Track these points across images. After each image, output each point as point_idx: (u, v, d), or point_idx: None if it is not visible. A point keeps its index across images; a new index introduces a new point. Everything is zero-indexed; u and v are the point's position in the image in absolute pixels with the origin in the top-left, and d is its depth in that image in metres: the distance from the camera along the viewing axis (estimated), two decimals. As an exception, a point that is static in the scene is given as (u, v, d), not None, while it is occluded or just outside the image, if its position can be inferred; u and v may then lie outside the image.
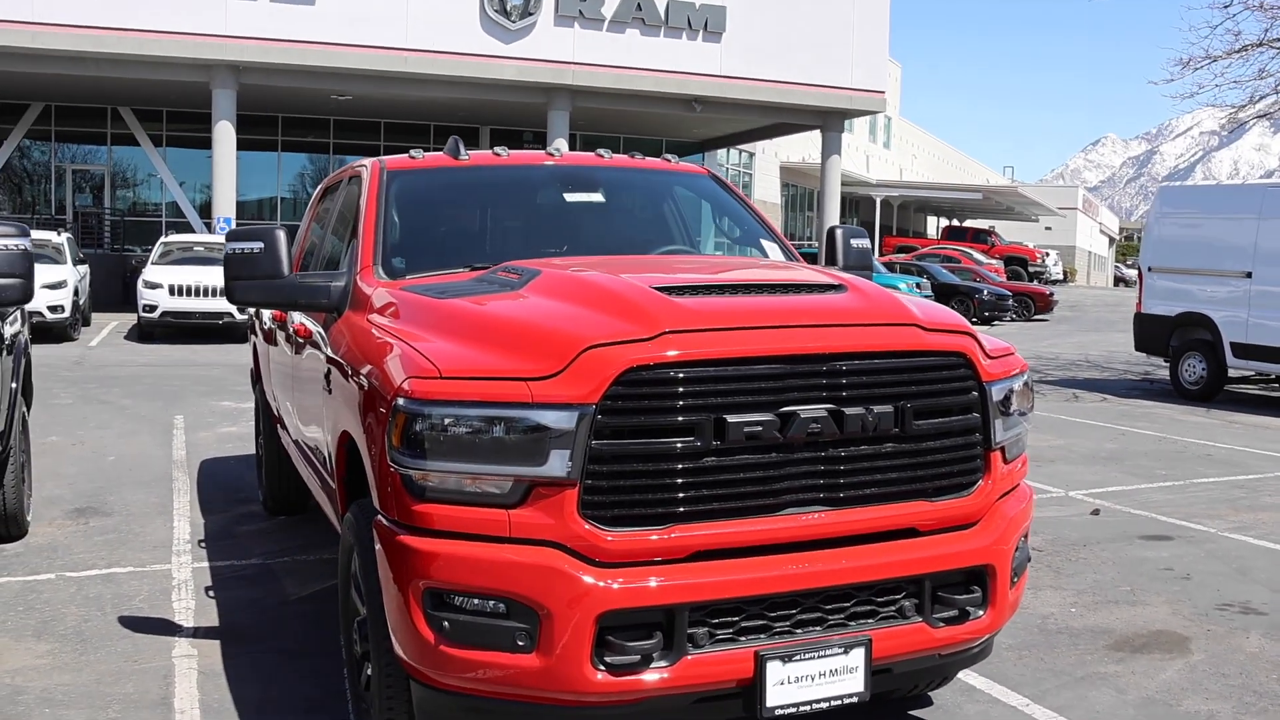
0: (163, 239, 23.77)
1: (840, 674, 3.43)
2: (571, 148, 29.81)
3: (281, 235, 4.68)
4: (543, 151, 5.68)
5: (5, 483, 6.79)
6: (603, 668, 3.28)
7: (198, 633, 5.50)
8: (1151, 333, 16.16)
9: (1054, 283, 52.24)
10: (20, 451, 7.11)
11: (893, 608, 3.59)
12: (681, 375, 3.31)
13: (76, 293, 20.45)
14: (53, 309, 19.47)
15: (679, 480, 3.32)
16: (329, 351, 4.59)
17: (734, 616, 3.39)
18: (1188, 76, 25.25)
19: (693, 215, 5.79)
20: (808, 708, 3.42)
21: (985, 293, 32.38)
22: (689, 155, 39.00)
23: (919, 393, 3.58)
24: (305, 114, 33.82)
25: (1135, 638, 5.50)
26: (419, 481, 3.38)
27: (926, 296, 30.96)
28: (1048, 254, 57.29)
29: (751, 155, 43.66)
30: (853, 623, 3.53)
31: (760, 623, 3.42)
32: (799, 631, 3.46)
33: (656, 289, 3.65)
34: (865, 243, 5.57)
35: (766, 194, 46.05)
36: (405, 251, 4.94)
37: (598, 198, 5.58)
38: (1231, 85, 37.55)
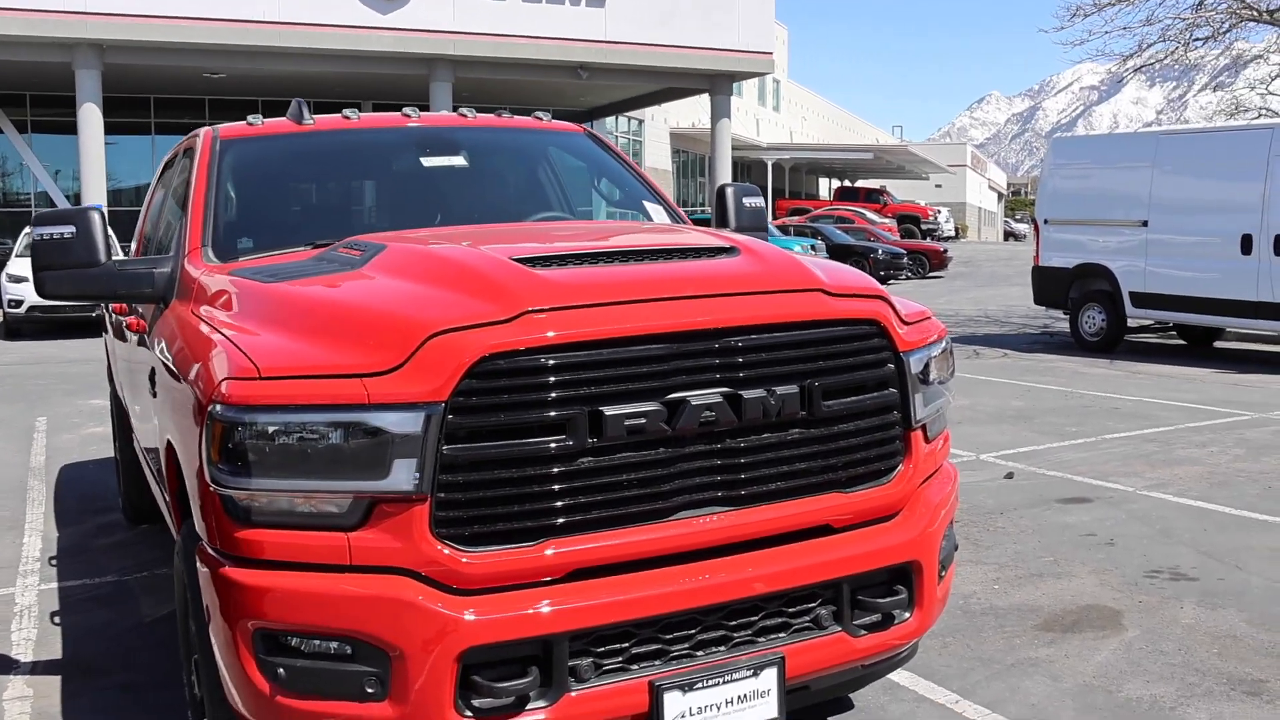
0: (26, 230, 22.52)
1: (751, 699, 2.95)
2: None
3: (96, 217, 4.06)
4: (398, 114, 5.07)
5: None
6: (469, 713, 2.75)
7: (36, 668, 4.88)
8: (1050, 285, 16.02)
9: (946, 239, 52.62)
10: None
11: (807, 618, 3.10)
12: (547, 362, 2.78)
13: (-61, 291, 19.29)
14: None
15: (550, 487, 2.80)
16: (154, 348, 3.99)
17: (623, 643, 2.88)
18: (1077, 24, 25.31)
19: (571, 179, 5.25)
20: None
21: (880, 252, 32.33)
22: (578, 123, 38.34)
23: (828, 369, 3.09)
24: (178, 94, 32.45)
25: (1065, 615, 5.13)
26: (242, 503, 2.82)
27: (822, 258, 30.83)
28: (939, 211, 57.73)
29: (641, 122, 43.09)
30: (762, 639, 3.03)
31: (654, 647, 2.91)
32: (700, 654, 2.95)
33: (517, 260, 3.10)
34: (758, 201, 5.07)
35: (658, 161, 45.53)
36: (241, 230, 4.36)
37: (459, 161, 4.98)
38: (1120, 32, 37.70)
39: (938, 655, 4.66)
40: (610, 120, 39.86)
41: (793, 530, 3.08)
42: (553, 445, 2.77)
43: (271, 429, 2.74)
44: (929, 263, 35.00)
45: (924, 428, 3.38)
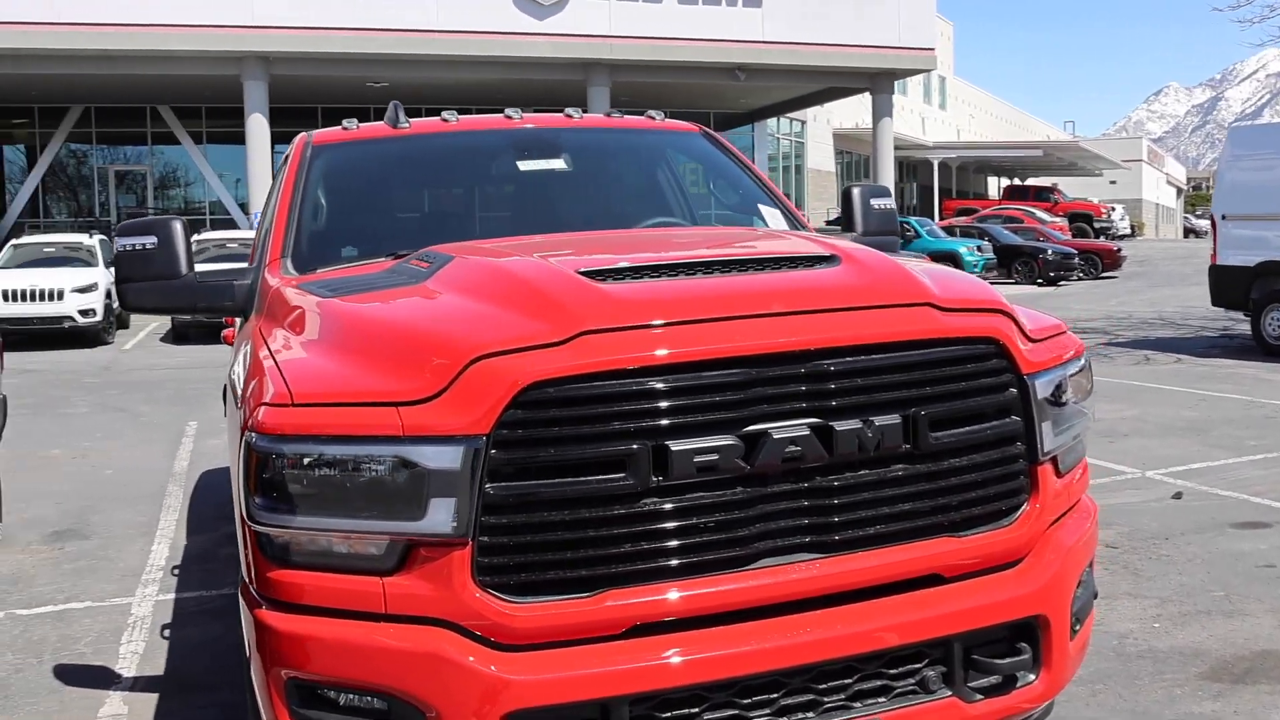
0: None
1: None
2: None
3: (178, 227, 3.95)
4: (499, 115, 4.81)
5: None
6: None
7: (137, 684, 4.78)
8: (1229, 285, 15.01)
9: (1121, 238, 50.52)
10: None
11: (912, 680, 2.68)
12: (604, 391, 2.45)
13: (109, 295, 19.95)
14: (84, 313, 19.13)
15: (609, 531, 2.46)
16: (230, 365, 3.82)
17: (693, 708, 2.52)
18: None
19: (688, 180, 4.92)
20: None
21: (1050, 252, 31.14)
22: (739, 126, 38.03)
23: (936, 395, 2.67)
24: (343, 103, 33.19)
25: (1236, 662, 4.54)
26: (276, 540, 2.59)
27: (988, 260, 29.89)
28: (1113, 209, 55.53)
29: (804, 123, 42.45)
30: (858, 704, 2.63)
31: (730, 713, 2.55)
32: None
33: (586, 273, 2.77)
34: (887, 203, 4.64)
35: (820, 162, 44.83)
36: (324, 240, 4.18)
37: (559, 164, 4.69)
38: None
39: (1084, 706, 4.17)
40: (772, 122, 39.36)
41: (895, 580, 2.68)
42: (612, 484, 2.44)
43: (303, 460, 2.48)
44: (1101, 262, 33.55)
45: (1054, 460, 2.93)
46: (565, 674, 2.44)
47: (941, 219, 43.38)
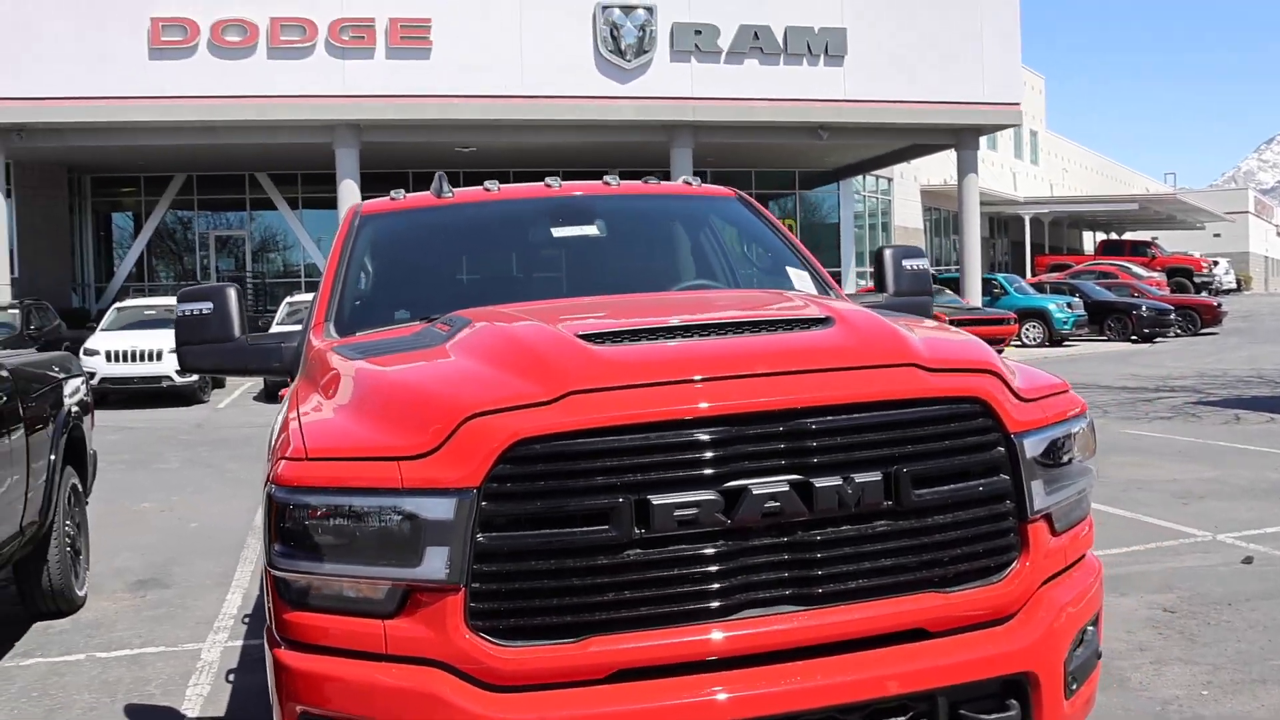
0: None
1: None
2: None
3: (232, 294, 4.18)
4: (540, 184, 4.98)
5: (49, 558, 6.55)
6: None
7: (197, 726, 4.99)
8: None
9: (1226, 292, 49.49)
10: (70, 525, 6.88)
11: None
12: (588, 447, 2.56)
13: (204, 357, 20.53)
14: (180, 372, 19.67)
15: (593, 580, 2.57)
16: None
17: None
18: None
19: (723, 243, 5.02)
20: None
21: (1144, 308, 30.64)
22: (825, 184, 38.13)
23: (919, 453, 2.72)
24: (432, 167, 33.87)
25: (1281, 732, 4.47)
26: (292, 584, 2.75)
27: (1078, 316, 29.49)
28: (1216, 262, 54.41)
29: (890, 180, 42.40)
30: None
31: None
32: None
33: (582, 336, 2.90)
34: (919, 263, 4.69)
35: (908, 219, 44.67)
36: (368, 304, 4.37)
37: (591, 231, 4.83)
38: None
39: (1117, 772, 4.12)
40: (858, 180, 39.39)
41: (877, 634, 2.71)
42: (595, 536, 2.54)
43: (314, 511, 2.64)
44: (1200, 318, 32.89)
45: (1047, 518, 2.94)
46: (549, 715, 2.53)
47: (1033, 275, 42.87)
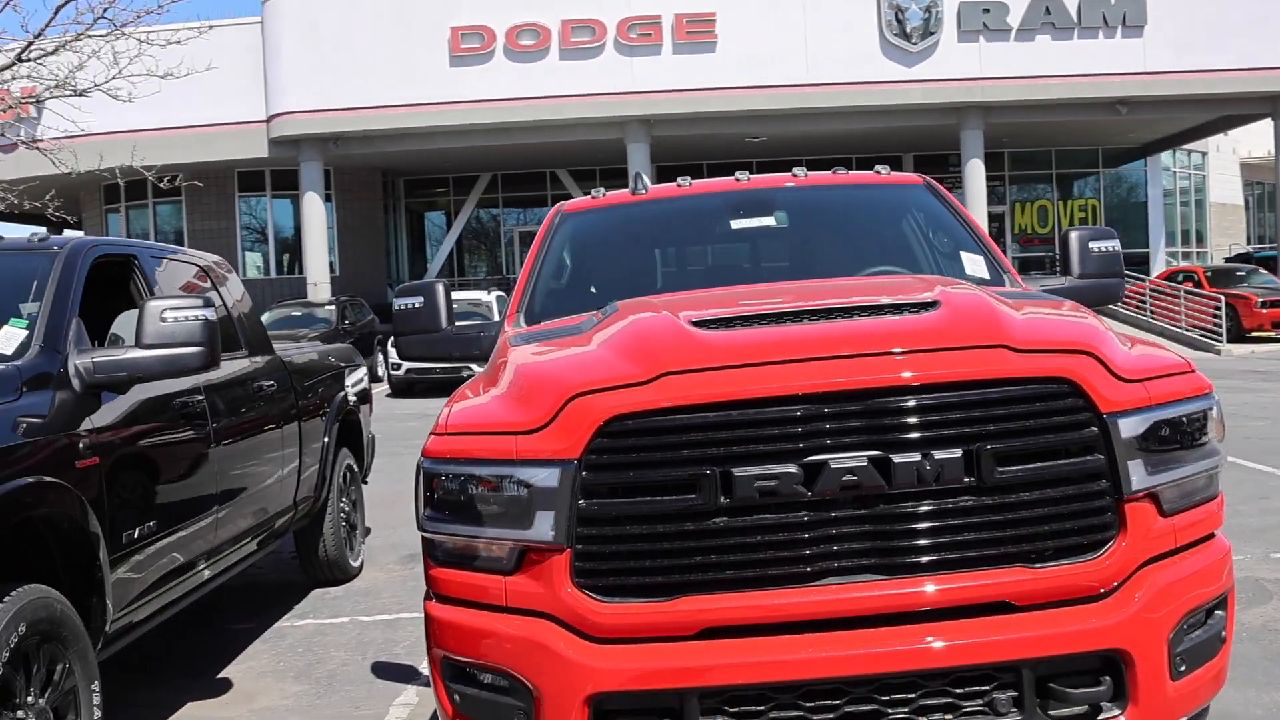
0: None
1: None
2: (987, 167, 28.57)
3: (440, 289, 4.64)
4: (730, 178, 5.23)
5: (324, 531, 7.29)
6: None
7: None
8: None
9: None
10: (345, 502, 7.57)
11: (980, 701, 2.82)
12: (676, 423, 2.82)
13: (500, 346, 21.74)
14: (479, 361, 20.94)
15: (683, 545, 2.83)
16: None
17: (759, 705, 2.82)
18: None
19: (907, 231, 5.11)
20: None
21: None
22: (1130, 161, 36.25)
23: (1001, 431, 2.83)
24: (725, 159, 34.44)
25: None
26: (437, 544, 3.16)
27: None
28: None
29: (1204, 154, 39.80)
30: (921, 718, 2.82)
31: (794, 714, 2.81)
32: None
33: (695, 323, 3.16)
34: (1108, 245, 4.63)
35: (1225, 195, 41.83)
36: (554, 296, 4.75)
37: (769, 222, 5.03)
38: None
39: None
40: (1167, 155, 37.22)
41: (959, 605, 2.83)
42: (683, 504, 2.80)
43: (445, 479, 3.03)
44: None
45: (1155, 498, 2.96)
46: (642, 666, 2.82)
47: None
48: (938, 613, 2.83)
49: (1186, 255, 38.19)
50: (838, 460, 2.77)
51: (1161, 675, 2.91)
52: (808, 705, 2.82)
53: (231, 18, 28.10)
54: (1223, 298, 24.69)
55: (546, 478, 2.88)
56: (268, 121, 27.51)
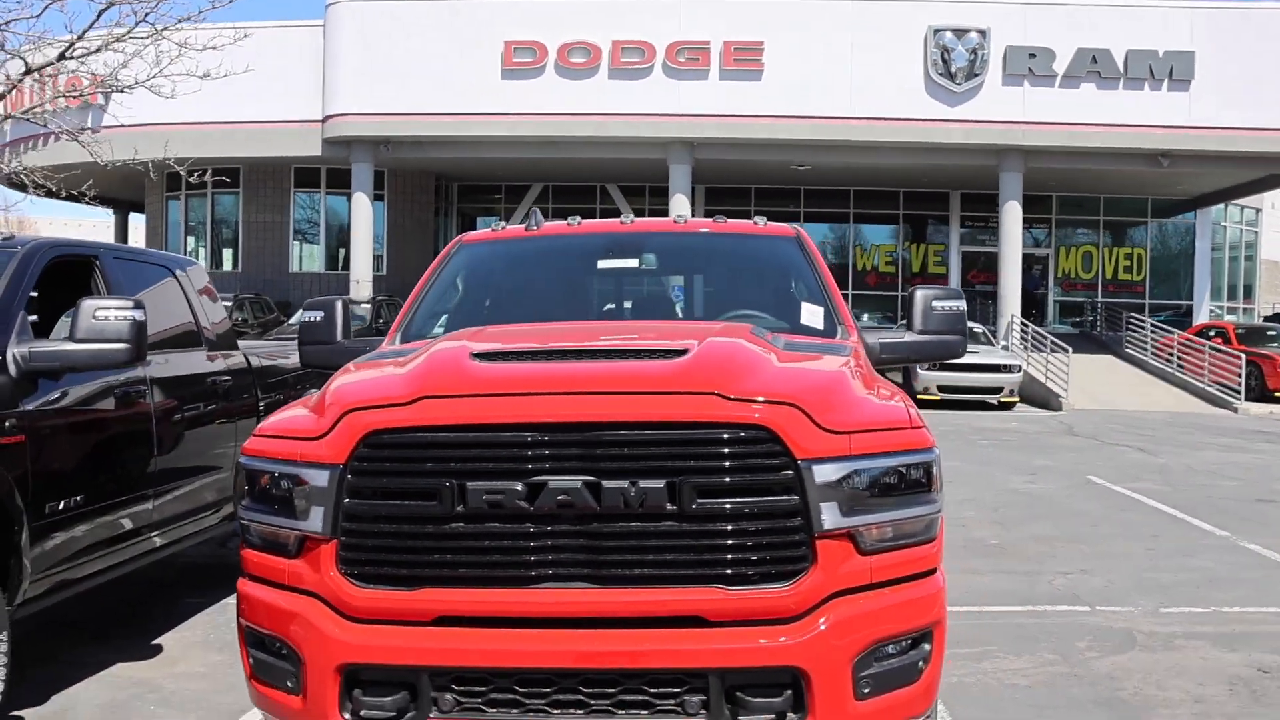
0: None
1: None
2: (1031, 209, 28.78)
3: (339, 305, 5.19)
4: (616, 220, 5.73)
5: None
6: (348, 718, 3.36)
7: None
8: None
9: None
10: None
11: (672, 701, 3.28)
12: (424, 439, 3.34)
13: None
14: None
15: (424, 544, 3.34)
16: None
17: (481, 686, 3.31)
18: None
19: (773, 278, 5.56)
20: None
21: None
22: (1180, 213, 36.19)
23: (702, 468, 3.27)
24: (772, 184, 34.89)
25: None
26: (246, 528, 3.70)
27: None
28: None
29: (1258, 210, 39.56)
30: (621, 711, 3.28)
31: (510, 697, 3.31)
32: (555, 713, 3.29)
33: (476, 355, 3.68)
34: (953, 304, 4.97)
35: (1277, 252, 41.49)
36: (430, 318, 5.24)
37: (633, 264, 5.53)
38: None
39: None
40: (1218, 209, 37.07)
41: (660, 616, 3.28)
42: (426, 509, 3.32)
43: (253, 473, 3.61)
44: None
45: (851, 537, 3.35)
46: (385, 643, 3.33)
47: None
48: (639, 621, 3.29)
49: (1233, 310, 38.00)
50: (556, 481, 3.25)
51: (843, 694, 3.30)
52: (522, 691, 3.31)
53: (298, 19, 29.03)
54: (1243, 355, 24.69)
55: (320, 478, 3.40)
56: (323, 122, 28.41)
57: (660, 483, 3.25)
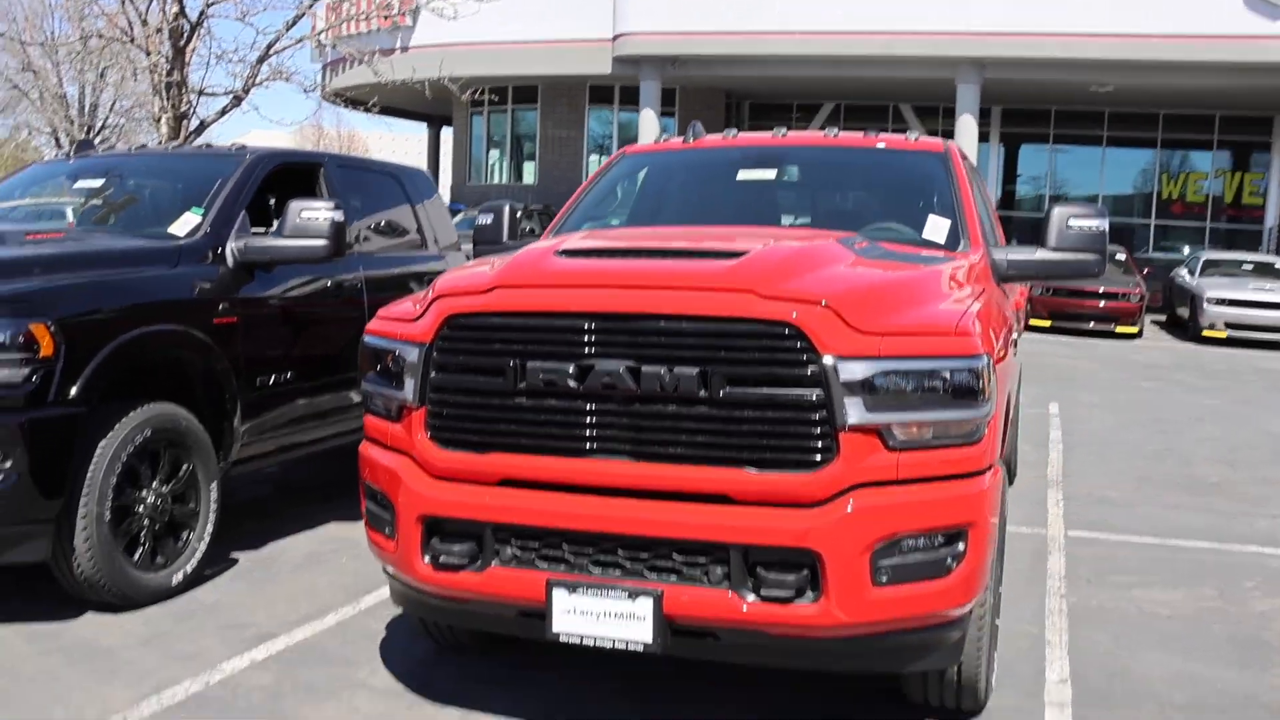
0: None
1: (626, 618, 3.66)
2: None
3: (506, 209, 5.80)
4: (769, 134, 6.00)
5: None
6: (428, 560, 3.94)
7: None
8: None
9: None
10: None
11: (698, 570, 3.66)
12: (494, 324, 3.85)
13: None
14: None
15: (492, 414, 3.85)
16: None
17: (534, 542, 3.82)
18: None
19: (910, 191, 5.65)
20: (591, 641, 3.72)
21: None
22: None
23: (730, 359, 3.60)
24: (1071, 105, 33.35)
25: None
26: (367, 396, 4.32)
27: None
28: None
29: None
30: (652, 574, 3.70)
31: (557, 553, 3.80)
32: (595, 570, 3.75)
33: (560, 252, 4.14)
34: (1090, 223, 4.95)
35: None
36: (583, 217, 5.74)
37: (769, 175, 5.78)
38: None
39: None
40: None
41: (695, 492, 3.66)
42: (494, 384, 3.83)
43: (370, 350, 4.25)
44: None
45: (877, 434, 3.57)
46: (458, 499, 3.90)
47: None
48: (673, 495, 3.69)
49: None
50: (602, 365, 3.69)
51: (859, 579, 3.57)
52: (568, 549, 3.80)
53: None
54: None
55: (412, 354, 3.97)
56: (613, 40, 29.17)
57: (693, 370, 3.62)
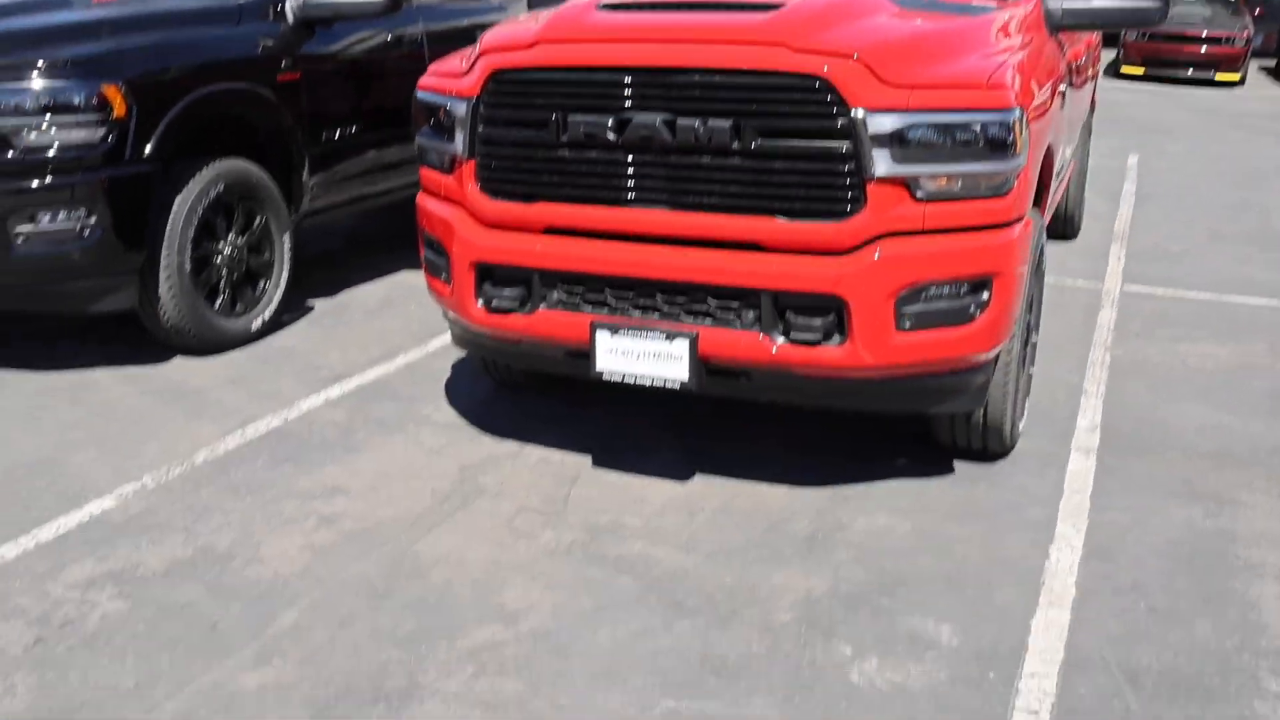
0: None
1: (664, 358, 3.90)
2: None
3: None
4: None
5: None
6: (481, 304, 4.19)
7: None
8: None
9: None
10: None
11: (731, 313, 3.86)
12: (536, 78, 3.97)
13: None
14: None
15: (536, 165, 4.02)
16: None
17: (578, 286, 4.04)
18: None
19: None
20: (632, 379, 3.97)
21: None
22: None
23: (762, 112, 3.69)
24: None
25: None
26: (421, 150, 4.49)
27: None
28: None
29: None
30: (688, 317, 3.92)
31: (599, 297, 4.02)
32: (635, 313, 3.98)
33: (602, 5, 4.19)
34: None
35: None
36: None
37: None
38: None
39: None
40: None
41: (726, 239, 3.82)
42: (538, 136, 3.99)
43: (422, 105, 4.41)
44: None
45: (904, 184, 3.66)
46: (508, 246, 4.12)
47: None
48: (708, 243, 3.86)
49: None
50: (639, 117, 3.81)
51: (884, 324, 3.74)
52: (611, 292, 4.02)
53: None
54: None
55: (460, 108, 4.12)
56: None
57: (726, 123, 3.73)
